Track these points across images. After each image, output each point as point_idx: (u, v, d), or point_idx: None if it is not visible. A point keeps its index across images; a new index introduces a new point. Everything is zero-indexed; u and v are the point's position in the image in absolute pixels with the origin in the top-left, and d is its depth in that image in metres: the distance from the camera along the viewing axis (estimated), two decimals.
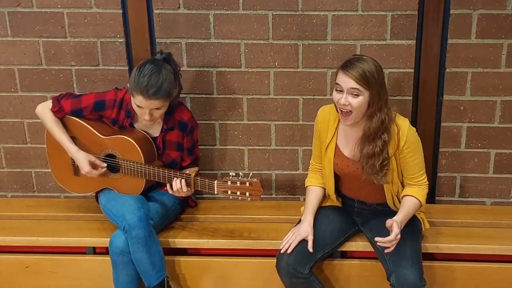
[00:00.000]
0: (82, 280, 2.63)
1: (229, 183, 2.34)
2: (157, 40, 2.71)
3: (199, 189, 2.43)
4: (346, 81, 2.15)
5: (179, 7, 2.67)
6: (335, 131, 2.36)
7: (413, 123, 2.69)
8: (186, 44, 2.72)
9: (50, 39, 2.74)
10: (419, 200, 2.31)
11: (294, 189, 2.92)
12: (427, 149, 2.68)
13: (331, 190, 2.46)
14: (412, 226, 2.35)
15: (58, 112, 2.54)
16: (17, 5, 2.69)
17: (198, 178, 2.41)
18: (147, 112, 2.38)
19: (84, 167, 2.51)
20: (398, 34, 2.63)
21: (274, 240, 2.54)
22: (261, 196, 2.33)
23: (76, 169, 2.60)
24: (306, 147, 2.85)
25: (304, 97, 2.77)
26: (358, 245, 2.52)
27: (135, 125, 2.57)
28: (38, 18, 2.70)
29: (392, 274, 2.24)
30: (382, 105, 2.19)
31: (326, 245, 2.40)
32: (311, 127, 2.80)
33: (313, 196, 2.46)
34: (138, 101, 2.37)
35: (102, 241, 2.54)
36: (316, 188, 2.48)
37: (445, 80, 2.70)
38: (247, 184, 2.32)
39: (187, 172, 2.45)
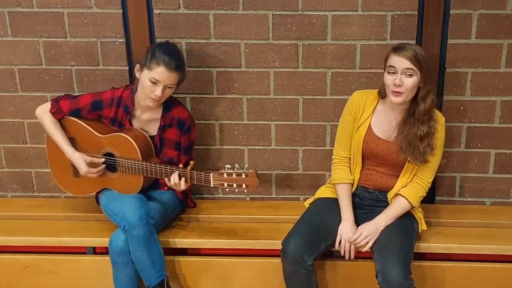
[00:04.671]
0: (82, 280, 2.63)
1: (225, 175, 2.34)
2: (157, 40, 2.71)
3: (195, 182, 2.43)
4: (400, 61, 2.24)
5: (179, 7, 2.67)
6: (372, 113, 2.41)
7: None
8: (186, 44, 2.72)
9: (50, 39, 2.73)
10: (411, 204, 2.39)
11: (294, 189, 2.92)
12: None
13: (358, 167, 2.46)
14: (404, 226, 2.36)
15: (57, 113, 2.55)
16: (17, 5, 2.69)
17: (194, 172, 2.41)
18: (160, 88, 2.40)
19: (82, 167, 2.52)
20: (398, 34, 2.63)
21: (274, 240, 2.54)
22: (257, 187, 2.31)
23: (76, 171, 2.60)
24: (306, 147, 2.85)
25: (304, 97, 2.77)
26: None
27: (133, 122, 2.58)
28: (38, 18, 2.70)
29: (379, 273, 2.24)
30: (431, 89, 2.30)
31: (328, 237, 2.40)
32: (311, 127, 2.81)
33: (345, 194, 2.46)
34: (157, 74, 2.39)
35: (102, 241, 2.54)
36: (346, 185, 2.47)
37: (445, 80, 2.70)
38: (243, 175, 2.31)
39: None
